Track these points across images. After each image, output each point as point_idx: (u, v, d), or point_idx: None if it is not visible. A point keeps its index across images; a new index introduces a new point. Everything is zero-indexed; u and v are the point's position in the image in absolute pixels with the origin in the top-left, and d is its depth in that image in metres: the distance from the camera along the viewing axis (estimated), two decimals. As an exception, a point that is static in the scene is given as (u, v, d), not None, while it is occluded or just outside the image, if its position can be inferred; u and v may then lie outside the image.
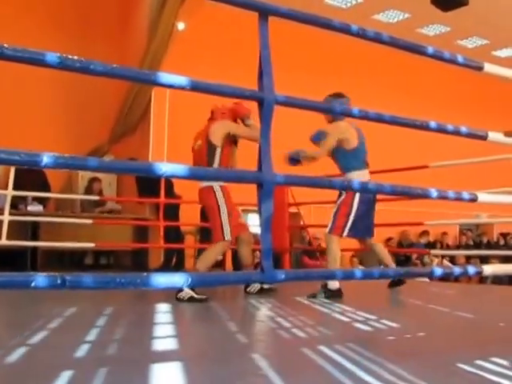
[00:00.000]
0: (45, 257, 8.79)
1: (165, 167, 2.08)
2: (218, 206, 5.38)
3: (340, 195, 5.72)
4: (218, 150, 5.44)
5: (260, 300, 5.61)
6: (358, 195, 5.56)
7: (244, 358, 2.93)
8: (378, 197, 8.01)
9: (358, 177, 5.51)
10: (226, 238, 5.32)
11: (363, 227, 5.76)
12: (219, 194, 5.37)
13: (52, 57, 1.89)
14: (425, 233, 14.41)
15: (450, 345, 3.29)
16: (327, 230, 5.65)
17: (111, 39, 11.52)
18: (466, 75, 11.14)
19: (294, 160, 5.56)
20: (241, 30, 10.18)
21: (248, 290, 5.58)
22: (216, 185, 5.36)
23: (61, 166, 1.92)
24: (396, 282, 6.12)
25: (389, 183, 2.70)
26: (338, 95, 5.78)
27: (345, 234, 5.58)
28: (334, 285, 5.49)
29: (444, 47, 3.03)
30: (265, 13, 2.40)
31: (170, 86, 2.25)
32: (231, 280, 2.34)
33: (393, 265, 6.15)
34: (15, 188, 7.50)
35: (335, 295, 5.47)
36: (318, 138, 5.75)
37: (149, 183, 8.96)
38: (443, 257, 12.92)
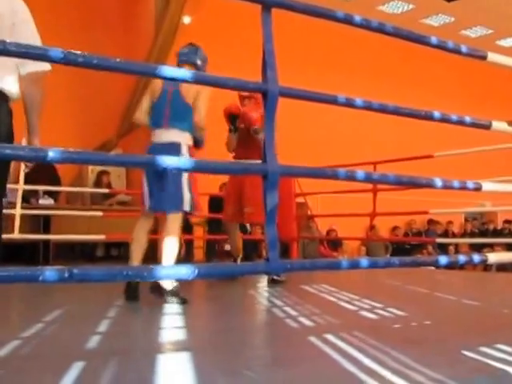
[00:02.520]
0: (56, 249, 8.89)
1: (168, 161, 2.10)
2: None
3: None
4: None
5: (267, 289, 5.65)
6: None
7: (251, 347, 2.96)
8: (382, 186, 8.06)
9: (152, 137, 4.85)
10: None
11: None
12: None
13: (56, 52, 1.91)
14: (434, 222, 14.51)
15: (455, 332, 3.31)
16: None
17: (118, 33, 11.56)
18: (471, 66, 11.15)
19: None
20: (246, 22, 10.17)
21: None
22: None
23: (66, 160, 1.94)
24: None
25: (393, 173, 2.72)
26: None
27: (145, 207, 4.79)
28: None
29: (448, 37, 3.03)
30: (268, 5, 2.41)
31: (174, 79, 2.26)
32: (238, 271, 2.36)
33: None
34: (26, 182, 7.58)
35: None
36: None
37: None
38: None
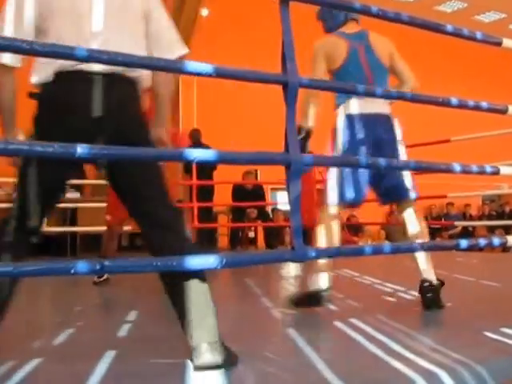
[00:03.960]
0: (83, 241, 9.00)
1: (195, 153, 2.15)
2: None
3: None
4: None
5: (291, 275, 5.71)
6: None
7: (278, 333, 3.02)
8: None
9: (342, 112, 3.83)
10: None
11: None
12: None
13: (80, 51, 1.95)
14: (450, 204, 14.55)
15: (476, 314, 3.35)
16: None
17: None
18: (485, 50, 11.10)
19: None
20: (264, 13, 10.23)
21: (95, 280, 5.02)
22: None
23: (94, 156, 1.99)
24: None
25: (413, 160, 2.76)
26: None
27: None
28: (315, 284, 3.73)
29: (461, 23, 3.08)
30: (286, -2, 2.45)
31: (198, 74, 2.31)
32: (265, 260, 2.41)
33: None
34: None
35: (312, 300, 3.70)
36: None
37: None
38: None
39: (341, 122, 3.79)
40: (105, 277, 5.02)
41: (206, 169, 9.47)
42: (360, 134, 3.71)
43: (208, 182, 9.52)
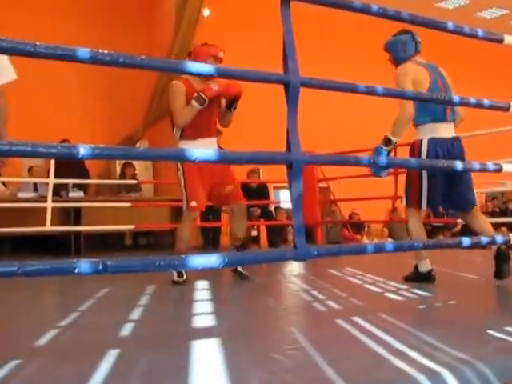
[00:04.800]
0: (87, 240, 9.02)
1: (196, 153, 2.16)
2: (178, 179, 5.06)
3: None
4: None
5: (294, 274, 5.70)
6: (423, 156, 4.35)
7: (281, 332, 3.02)
8: (403, 169, 8.02)
9: (427, 134, 4.41)
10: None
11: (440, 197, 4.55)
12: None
13: (83, 52, 1.96)
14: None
15: (480, 312, 3.34)
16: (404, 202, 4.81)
17: (139, 28, 11.70)
18: (488, 47, 11.10)
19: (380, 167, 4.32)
20: (265, 13, 10.22)
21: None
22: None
23: (97, 156, 2.00)
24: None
25: (415, 158, 2.77)
26: (400, 33, 4.61)
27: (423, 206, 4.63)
28: (423, 267, 4.67)
29: (463, 20, 3.08)
30: (287, -2, 2.45)
31: (199, 74, 2.32)
32: (267, 259, 2.42)
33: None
34: (56, 176, 7.74)
35: (426, 278, 4.58)
36: None
37: None
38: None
39: (425, 145, 4.38)
40: (184, 277, 4.88)
41: None
42: (440, 155, 4.31)
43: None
